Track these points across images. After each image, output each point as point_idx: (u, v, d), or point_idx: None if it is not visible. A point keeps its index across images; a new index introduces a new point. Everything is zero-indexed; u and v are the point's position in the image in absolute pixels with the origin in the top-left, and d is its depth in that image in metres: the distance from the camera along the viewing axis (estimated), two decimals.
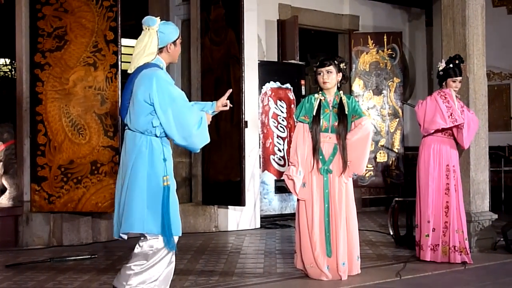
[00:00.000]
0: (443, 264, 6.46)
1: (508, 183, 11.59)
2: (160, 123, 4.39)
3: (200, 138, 4.50)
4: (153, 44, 4.49)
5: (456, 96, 6.65)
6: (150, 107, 4.37)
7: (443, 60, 6.85)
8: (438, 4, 9.07)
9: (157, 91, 4.35)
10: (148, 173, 4.41)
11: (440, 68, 6.72)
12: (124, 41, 8.14)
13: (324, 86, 5.82)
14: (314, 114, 5.76)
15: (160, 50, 4.54)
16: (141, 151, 4.43)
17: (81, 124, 7.55)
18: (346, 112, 5.79)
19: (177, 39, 4.60)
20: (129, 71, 4.56)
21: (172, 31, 4.57)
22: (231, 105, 4.83)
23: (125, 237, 4.53)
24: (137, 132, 4.45)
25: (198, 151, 4.72)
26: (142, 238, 4.47)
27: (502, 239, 7.27)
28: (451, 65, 6.69)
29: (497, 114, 11.85)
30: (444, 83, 6.70)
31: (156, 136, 4.43)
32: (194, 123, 4.43)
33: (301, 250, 5.78)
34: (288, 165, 5.86)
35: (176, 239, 4.51)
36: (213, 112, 4.75)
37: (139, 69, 4.47)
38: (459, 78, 6.72)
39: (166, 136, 4.47)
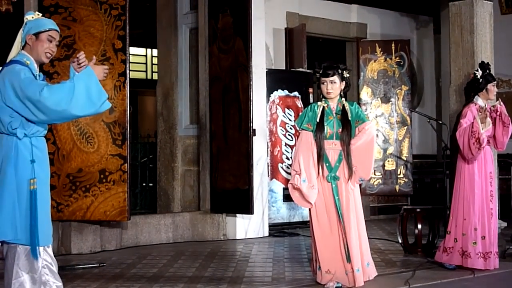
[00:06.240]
0: (453, 272, 6.44)
1: None
2: (26, 118, 4.08)
3: (80, 105, 4.06)
4: (18, 37, 4.24)
5: (488, 104, 6.50)
6: (8, 108, 4.09)
7: (478, 69, 6.61)
8: (446, 12, 9.07)
9: (11, 87, 4.05)
10: (15, 177, 4.11)
11: (479, 76, 6.52)
12: (132, 50, 8.15)
13: (328, 96, 5.79)
14: (318, 121, 5.73)
15: (25, 44, 4.24)
16: (7, 153, 4.15)
17: (89, 132, 7.57)
18: (349, 118, 5.75)
19: (40, 33, 4.24)
20: None
21: (38, 23, 4.26)
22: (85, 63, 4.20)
23: None
24: (4, 134, 4.17)
25: (101, 110, 4.17)
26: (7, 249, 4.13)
27: (511, 247, 7.24)
28: (487, 71, 6.57)
29: None
30: (484, 91, 6.51)
31: (19, 138, 4.13)
32: (61, 98, 4.03)
33: (319, 257, 5.70)
34: (292, 173, 5.81)
35: (48, 249, 4.19)
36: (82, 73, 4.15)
37: (3, 68, 4.18)
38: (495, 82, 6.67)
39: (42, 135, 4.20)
